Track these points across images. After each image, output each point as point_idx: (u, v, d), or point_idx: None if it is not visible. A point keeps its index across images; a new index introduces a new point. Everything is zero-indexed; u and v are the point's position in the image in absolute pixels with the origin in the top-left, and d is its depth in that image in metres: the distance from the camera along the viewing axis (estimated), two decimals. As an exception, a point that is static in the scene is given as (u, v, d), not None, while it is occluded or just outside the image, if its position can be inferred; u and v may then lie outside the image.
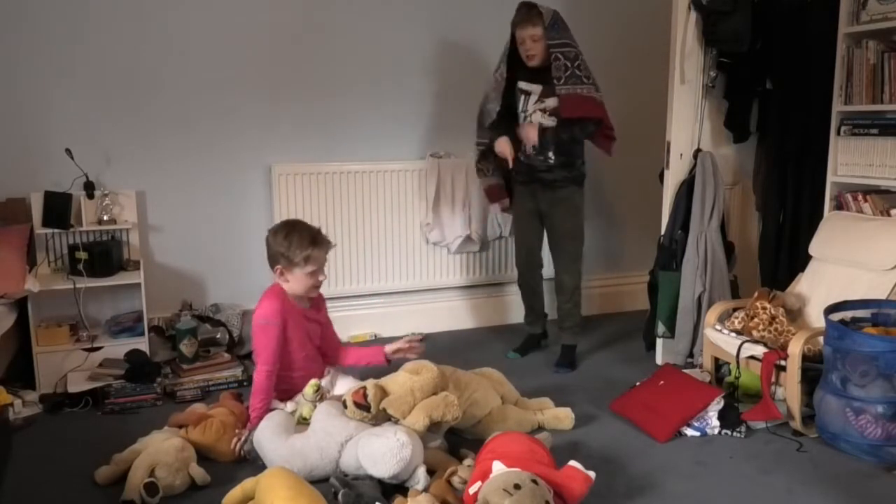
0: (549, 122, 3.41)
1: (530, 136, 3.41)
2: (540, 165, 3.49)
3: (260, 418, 2.65)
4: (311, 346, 2.98)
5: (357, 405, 2.52)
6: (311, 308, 2.98)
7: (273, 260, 2.85)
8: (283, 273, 2.84)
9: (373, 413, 2.52)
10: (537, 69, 3.40)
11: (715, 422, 2.87)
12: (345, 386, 2.89)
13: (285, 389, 2.87)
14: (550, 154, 3.45)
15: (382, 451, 2.33)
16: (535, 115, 3.42)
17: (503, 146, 3.48)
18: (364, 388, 2.55)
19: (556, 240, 3.61)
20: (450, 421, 2.56)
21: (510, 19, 3.43)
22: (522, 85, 3.46)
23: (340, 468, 2.45)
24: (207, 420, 2.70)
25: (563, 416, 2.94)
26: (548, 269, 3.78)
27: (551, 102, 3.39)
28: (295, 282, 2.85)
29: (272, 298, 2.84)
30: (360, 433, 2.48)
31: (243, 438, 2.64)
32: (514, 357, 3.74)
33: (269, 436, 2.55)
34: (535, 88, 3.42)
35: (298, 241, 2.80)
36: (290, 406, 2.80)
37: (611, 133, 3.51)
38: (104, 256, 3.38)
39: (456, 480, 2.34)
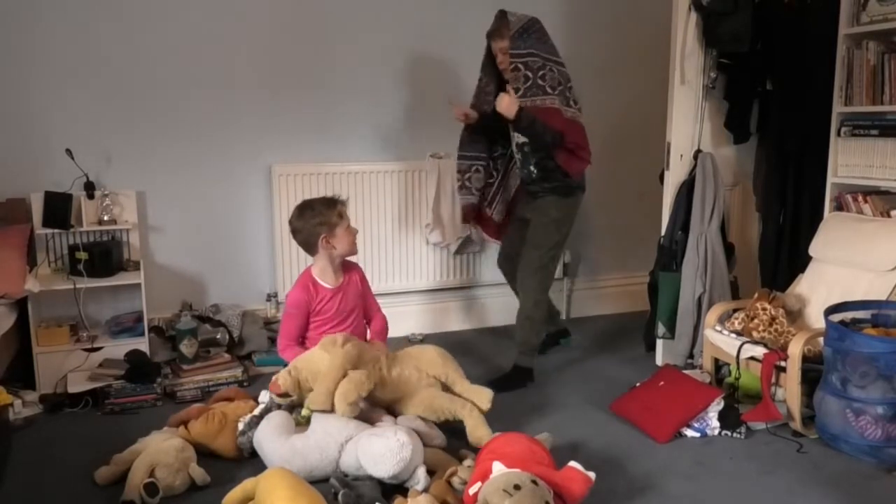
0: (523, 137, 3.35)
1: (505, 102, 3.18)
2: (526, 178, 3.48)
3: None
4: (350, 316, 3.07)
5: (279, 395, 2.69)
6: (340, 287, 3.05)
7: (313, 237, 2.95)
8: (329, 240, 2.95)
9: (296, 397, 2.68)
10: None
11: (715, 422, 2.87)
12: None
13: None
14: (532, 167, 3.41)
15: (382, 452, 2.34)
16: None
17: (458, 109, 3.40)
18: (278, 377, 2.70)
19: (525, 248, 3.46)
20: (365, 392, 2.61)
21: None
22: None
23: (340, 468, 2.45)
24: (209, 412, 2.71)
25: (475, 427, 2.69)
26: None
27: None
28: (341, 243, 2.97)
29: (298, 288, 3.00)
30: (360, 433, 2.48)
31: (242, 427, 2.65)
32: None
33: (269, 436, 2.55)
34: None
35: (323, 205, 2.97)
36: None
37: (580, 153, 3.28)
38: (104, 256, 3.38)
39: (456, 481, 2.34)
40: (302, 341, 3.01)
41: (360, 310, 3.13)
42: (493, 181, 3.71)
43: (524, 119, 3.18)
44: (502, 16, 3.29)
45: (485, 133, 3.54)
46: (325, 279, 3.02)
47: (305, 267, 3.12)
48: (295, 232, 3.01)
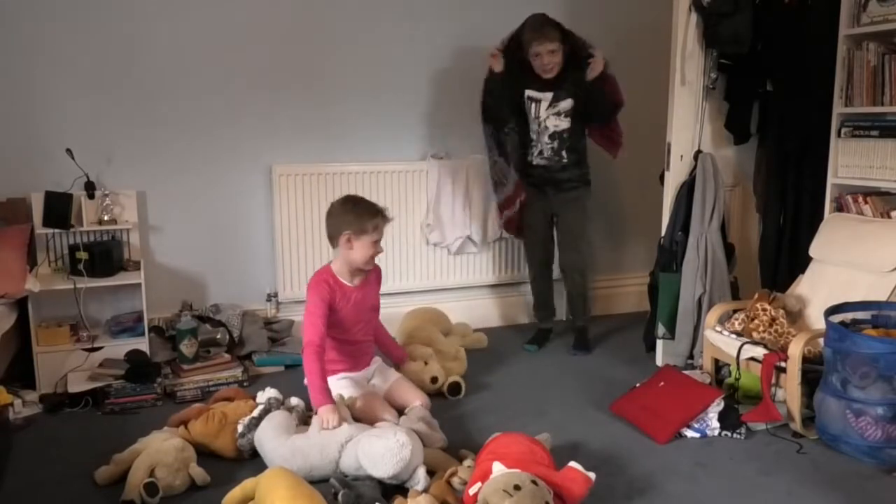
0: (565, 123, 3.44)
1: (597, 68, 3.42)
2: (555, 166, 3.56)
3: (319, 394, 2.66)
4: (364, 319, 3.05)
5: None
6: (360, 286, 3.00)
7: (340, 227, 2.88)
8: (351, 240, 2.88)
9: None
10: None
11: (715, 423, 2.87)
12: (389, 378, 3.06)
13: (350, 353, 3.02)
14: (564, 153, 3.50)
15: (382, 452, 2.34)
16: (550, 119, 3.45)
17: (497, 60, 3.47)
18: None
19: (568, 240, 3.71)
20: None
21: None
22: (531, 93, 3.47)
23: (340, 469, 2.46)
24: (209, 412, 2.71)
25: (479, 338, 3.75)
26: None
27: (565, 105, 3.45)
28: (359, 250, 2.89)
29: (317, 280, 2.92)
30: (361, 434, 2.49)
31: (241, 430, 2.65)
32: (533, 350, 3.84)
33: (269, 435, 2.56)
34: (546, 96, 3.45)
35: (368, 209, 2.90)
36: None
37: (618, 139, 3.67)
38: (104, 256, 3.38)
39: (456, 481, 2.34)
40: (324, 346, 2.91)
41: (374, 315, 3.13)
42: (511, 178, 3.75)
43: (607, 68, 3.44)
44: (545, 20, 3.37)
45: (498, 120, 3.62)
46: (343, 278, 2.97)
47: (317, 266, 3.10)
48: (329, 214, 2.96)
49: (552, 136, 3.49)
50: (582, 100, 3.50)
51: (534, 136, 3.54)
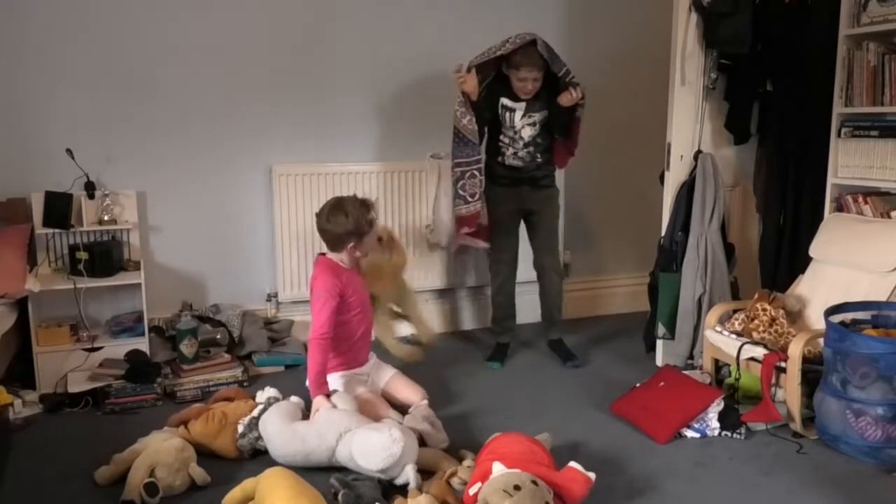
0: (539, 130, 3.48)
1: (569, 99, 3.31)
2: (529, 166, 3.54)
3: (317, 387, 2.74)
4: (362, 302, 3.07)
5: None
6: (355, 267, 3.08)
7: (342, 240, 2.92)
8: (357, 247, 2.94)
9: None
10: None
11: (715, 423, 2.87)
12: (385, 376, 3.07)
13: (348, 348, 3.02)
14: (538, 155, 3.52)
15: (373, 445, 2.38)
16: (525, 129, 3.44)
17: (468, 82, 3.32)
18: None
19: (545, 238, 3.66)
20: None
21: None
22: (505, 101, 3.45)
23: (336, 457, 2.49)
24: (208, 412, 2.71)
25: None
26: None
27: (540, 116, 3.45)
28: (367, 245, 3.00)
29: (326, 273, 2.92)
30: (360, 427, 2.52)
31: (242, 430, 2.66)
32: (498, 367, 3.65)
33: (274, 419, 2.62)
34: (520, 105, 3.44)
35: (357, 211, 2.92)
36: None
37: (572, 152, 3.64)
38: (105, 256, 3.38)
39: (456, 481, 2.34)
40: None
41: (368, 303, 3.17)
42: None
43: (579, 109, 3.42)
44: (533, 47, 3.27)
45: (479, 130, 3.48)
46: (343, 264, 3.01)
47: (316, 257, 3.10)
48: (322, 231, 2.96)
49: (527, 144, 3.49)
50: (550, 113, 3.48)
51: (507, 141, 3.51)
